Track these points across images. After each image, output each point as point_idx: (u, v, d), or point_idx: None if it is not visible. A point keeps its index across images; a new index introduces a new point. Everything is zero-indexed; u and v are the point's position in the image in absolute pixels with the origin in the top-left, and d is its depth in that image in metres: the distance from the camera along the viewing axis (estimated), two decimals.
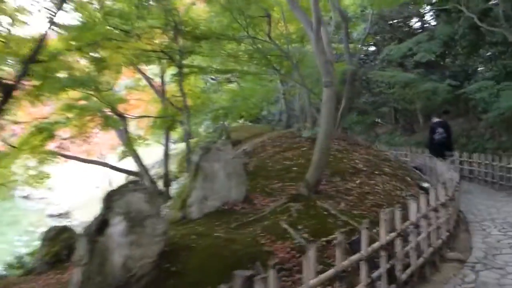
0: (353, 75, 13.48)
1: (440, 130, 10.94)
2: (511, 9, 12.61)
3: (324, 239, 5.41)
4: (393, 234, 4.72)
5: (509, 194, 11.78)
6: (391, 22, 25.70)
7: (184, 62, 12.82)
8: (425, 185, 8.31)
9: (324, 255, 4.95)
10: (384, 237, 4.60)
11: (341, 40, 18.32)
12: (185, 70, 12.12)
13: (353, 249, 4.62)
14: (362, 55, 25.42)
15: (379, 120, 28.20)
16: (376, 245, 4.39)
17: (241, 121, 24.41)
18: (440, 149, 10.79)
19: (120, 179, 15.89)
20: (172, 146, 17.08)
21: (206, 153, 6.77)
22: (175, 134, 18.86)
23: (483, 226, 8.20)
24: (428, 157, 12.70)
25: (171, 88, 12.86)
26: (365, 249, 4.17)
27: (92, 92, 10.97)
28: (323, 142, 6.87)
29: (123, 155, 14.65)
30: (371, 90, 23.74)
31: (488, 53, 15.31)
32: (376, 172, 8.66)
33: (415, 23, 24.46)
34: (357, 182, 7.84)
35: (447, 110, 13.24)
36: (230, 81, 21.22)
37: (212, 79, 21.72)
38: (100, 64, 10.25)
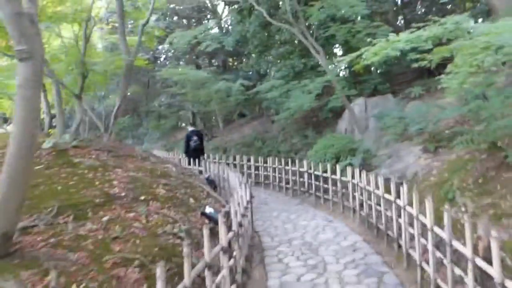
0: (129, 69, 10.55)
1: (195, 138, 12.30)
2: (298, 4, 11.91)
3: None
4: None
5: (303, 200, 10.99)
6: (186, 20, 24.11)
7: None
8: (208, 210, 6.06)
9: None
10: None
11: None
12: None
13: None
14: (156, 50, 23.04)
15: (183, 125, 26.28)
16: None
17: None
18: (196, 154, 12.08)
19: None
20: None
21: None
22: None
23: (280, 254, 6.52)
24: (221, 166, 10.93)
25: None
26: None
27: None
28: (17, 158, 3.72)
29: None
30: (168, 92, 21.55)
31: (278, 52, 14.71)
32: (143, 198, 5.96)
33: (213, 24, 23.31)
34: (104, 219, 4.95)
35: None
36: None
37: None
38: None
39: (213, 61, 23.31)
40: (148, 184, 6.70)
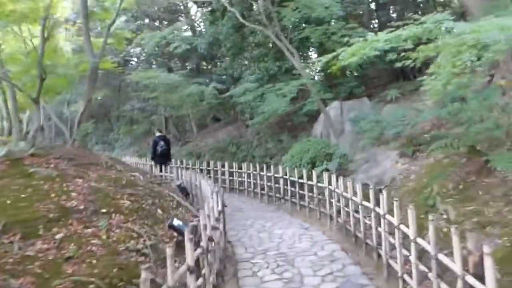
0: (94, 71, 9.96)
1: (162, 143, 12.25)
2: (272, 5, 11.61)
3: None
4: None
5: (278, 206, 10.65)
6: (158, 22, 23.50)
7: None
8: (177, 222, 5.61)
9: None
10: None
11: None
12: None
13: None
14: (127, 53, 22.34)
15: (156, 129, 25.58)
16: None
17: None
18: (163, 159, 12.05)
19: None
20: None
21: None
22: None
23: (254, 266, 6.11)
24: (194, 173, 10.48)
25: None
26: None
27: None
28: None
29: None
30: (139, 96, 20.86)
31: (252, 55, 14.36)
32: (104, 211, 5.47)
33: (184, 25, 22.75)
34: (57, 236, 4.44)
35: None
36: None
37: None
38: None
39: (186, 64, 22.80)
40: (112, 195, 6.19)
